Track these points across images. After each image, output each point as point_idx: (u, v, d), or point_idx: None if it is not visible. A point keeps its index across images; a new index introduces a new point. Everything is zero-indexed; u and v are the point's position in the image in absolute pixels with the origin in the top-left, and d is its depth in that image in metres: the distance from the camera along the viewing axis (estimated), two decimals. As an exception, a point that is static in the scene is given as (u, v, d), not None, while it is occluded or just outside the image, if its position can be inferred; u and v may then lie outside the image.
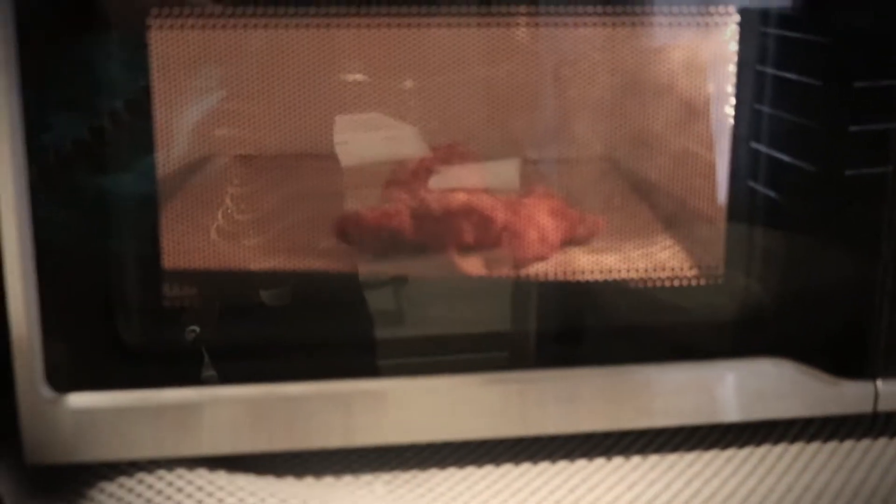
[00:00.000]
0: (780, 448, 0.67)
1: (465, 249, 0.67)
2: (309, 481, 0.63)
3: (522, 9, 0.62)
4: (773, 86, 0.64)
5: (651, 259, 0.68)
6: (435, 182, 0.67)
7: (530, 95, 0.67)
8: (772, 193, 0.66)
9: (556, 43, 0.65)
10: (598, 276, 0.67)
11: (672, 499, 0.63)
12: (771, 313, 0.66)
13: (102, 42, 0.57)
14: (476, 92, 0.66)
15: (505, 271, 0.68)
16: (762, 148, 0.66)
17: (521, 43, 0.64)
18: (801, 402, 0.67)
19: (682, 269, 0.68)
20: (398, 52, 0.62)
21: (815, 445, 0.68)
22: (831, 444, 0.68)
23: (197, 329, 0.63)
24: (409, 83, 0.65)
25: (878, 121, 0.63)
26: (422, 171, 0.67)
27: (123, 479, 0.60)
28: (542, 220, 0.68)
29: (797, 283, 0.66)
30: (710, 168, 0.67)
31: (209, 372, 0.62)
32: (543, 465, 0.65)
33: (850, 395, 0.67)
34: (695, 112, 0.67)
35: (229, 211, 0.66)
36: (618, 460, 0.66)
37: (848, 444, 0.68)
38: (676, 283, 0.67)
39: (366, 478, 0.64)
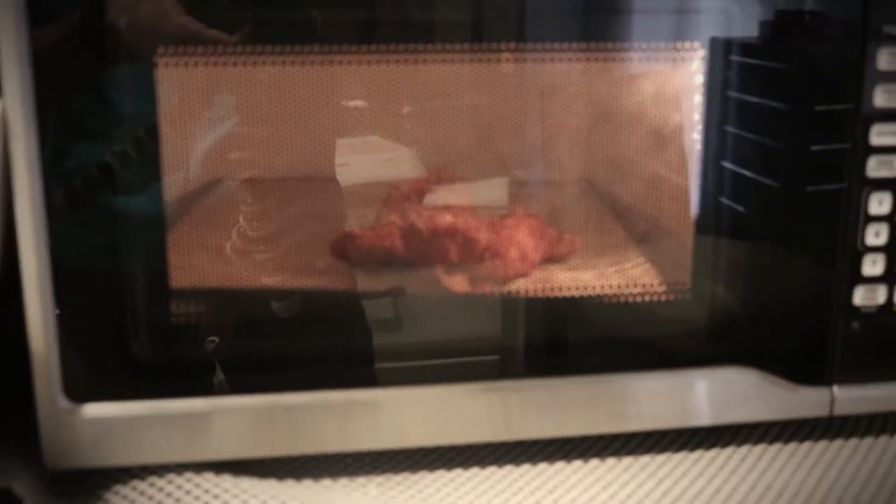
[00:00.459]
0: (744, 449, 0.69)
1: (451, 267, 0.67)
2: (308, 483, 0.64)
3: (509, 45, 0.63)
4: (740, 109, 0.65)
5: (625, 275, 0.69)
6: (427, 201, 0.68)
7: (514, 123, 0.68)
8: (739, 208, 0.66)
9: (538, 75, 0.65)
10: (576, 292, 0.67)
11: (644, 498, 0.64)
12: (737, 325, 0.68)
13: (113, 78, 0.58)
14: (465, 118, 0.67)
15: (488, 288, 0.68)
16: (730, 166, 0.66)
17: (508, 75, 0.65)
18: (764, 407, 0.68)
19: (653, 285, 0.68)
20: (396, 83, 0.63)
21: (776, 447, 0.69)
22: (791, 446, 0.69)
23: (216, 340, 0.63)
24: (405, 110, 0.66)
25: (836, 141, 0.65)
26: (412, 195, 0.68)
27: (136, 483, 0.61)
28: (522, 239, 0.69)
29: (760, 296, 0.67)
30: (680, 189, 0.67)
31: (220, 377, 0.63)
32: (525, 468, 0.67)
33: (808, 401, 0.68)
34: (664, 137, 0.67)
35: (238, 231, 0.66)
36: (594, 462, 0.67)
37: (806, 445, 0.70)
38: (648, 298, 0.68)
39: (360, 480, 0.65)
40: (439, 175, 0.68)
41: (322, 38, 0.61)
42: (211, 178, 0.64)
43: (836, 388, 0.68)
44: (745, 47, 0.65)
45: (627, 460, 0.68)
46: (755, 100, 0.65)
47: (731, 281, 0.68)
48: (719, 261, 0.68)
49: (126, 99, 0.60)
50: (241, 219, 0.66)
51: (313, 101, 0.63)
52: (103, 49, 0.58)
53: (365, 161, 0.66)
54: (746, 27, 0.64)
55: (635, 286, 0.68)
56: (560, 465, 0.67)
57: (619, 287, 0.68)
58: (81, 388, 0.60)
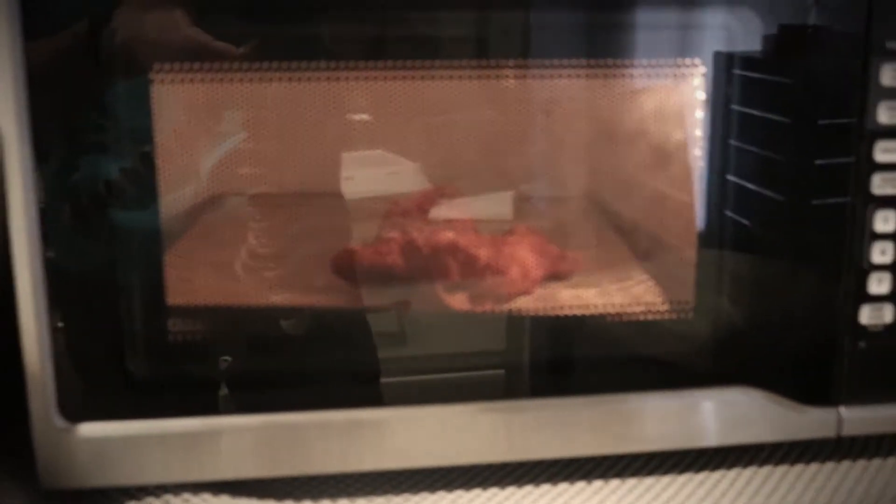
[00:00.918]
0: (749, 471, 0.68)
1: (452, 285, 0.67)
2: (307, 504, 0.64)
3: (513, 62, 0.64)
4: (743, 123, 0.65)
5: (628, 293, 0.68)
6: (429, 216, 0.68)
7: (518, 138, 0.68)
8: (743, 221, 0.66)
9: (541, 92, 0.65)
10: (578, 311, 0.67)
11: (648, 520, 0.63)
12: (741, 343, 0.67)
13: (110, 94, 0.58)
14: (470, 134, 0.67)
15: (489, 306, 0.68)
16: (734, 179, 0.66)
17: (511, 91, 0.65)
18: (770, 427, 0.68)
19: (656, 303, 0.68)
20: (400, 99, 0.63)
21: (782, 468, 0.69)
22: (798, 467, 0.69)
23: (229, 359, 0.63)
24: (410, 125, 0.66)
25: (840, 155, 0.65)
26: (414, 210, 0.67)
27: (132, 504, 0.59)
28: (524, 256, 0.68)
29: (765, 314, 0.67)
30: (683, 205, 0.67)
31: (219, 396, 0.63)
32: (528, 489, 0.66)
33: (815, 421, 0.68)
34: (667, 153, 0.67)
35: (247, 249, 0.66)
36: (598, 483, 0.67)
37: (813, 467, 0.69)
38: (651, 316, 0.67)
39: (360, 501, 0.64)
40: (441, 191, 0.68)
41: (327, 54, 0.61)
42: (211, 195, 0.64)
43: (843, 409, 0.68)
44: (748, 62, 0.65)
45: (632, 482, 0.68)
46: (758, 114, 0.66)
47: (735, 298, 0.67)
48: (723, 277, 0.68)
49: (125, 114, 0.59)
50: (249, 236, 0.66)
51: (316, 116, 0.63)
52: (102, 63, 0.58)
53: (369, 175, 0.66)
54: (749, 42, 0.65)
55: (638, 304, 0.68)
56: (563, 486, 0.67)
57: (621, 305, 0.68)
58: (77, 406, 0.60)
